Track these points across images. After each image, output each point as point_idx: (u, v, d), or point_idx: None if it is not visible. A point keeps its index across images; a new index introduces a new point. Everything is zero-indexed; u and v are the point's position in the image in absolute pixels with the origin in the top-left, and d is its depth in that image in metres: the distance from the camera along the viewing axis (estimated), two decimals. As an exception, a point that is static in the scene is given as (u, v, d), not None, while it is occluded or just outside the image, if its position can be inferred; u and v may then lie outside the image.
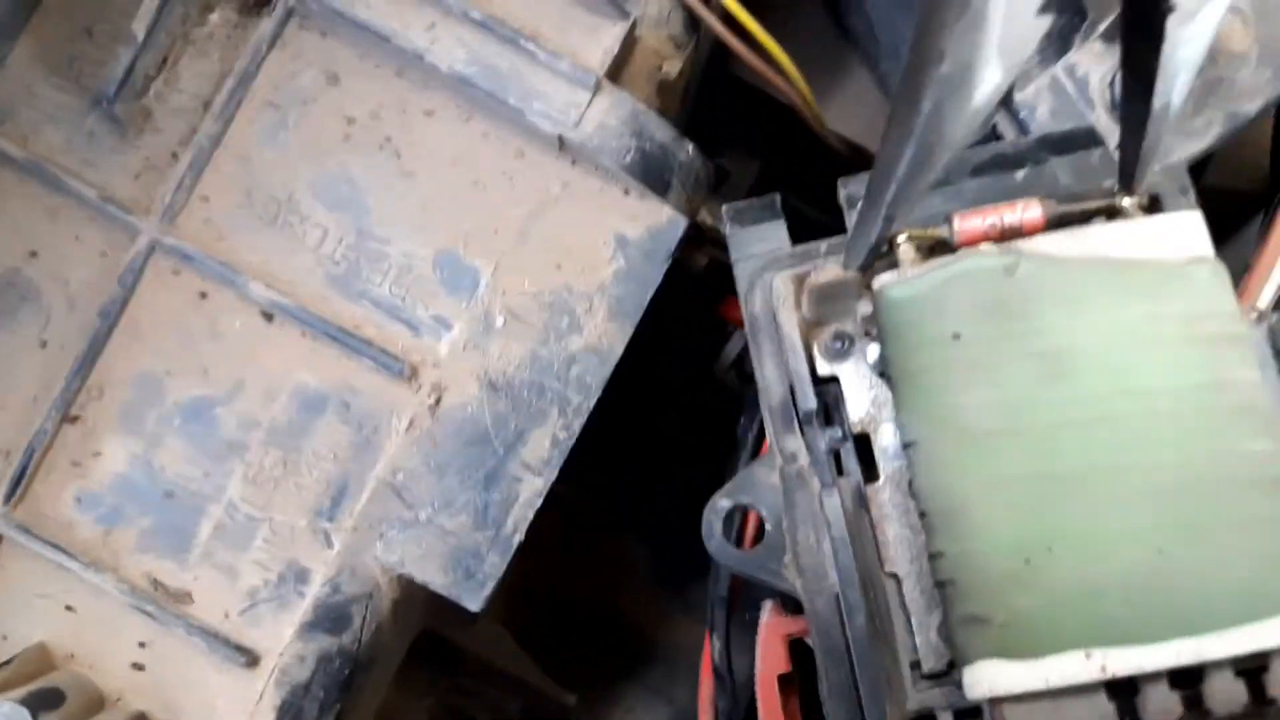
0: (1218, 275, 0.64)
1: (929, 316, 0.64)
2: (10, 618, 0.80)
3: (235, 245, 0.81)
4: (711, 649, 0.95)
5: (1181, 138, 0.81)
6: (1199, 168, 1.00)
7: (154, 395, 0.81)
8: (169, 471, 0.80)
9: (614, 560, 1.18)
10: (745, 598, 0.96)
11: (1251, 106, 0.80)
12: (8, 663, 0.77)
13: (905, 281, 0.65)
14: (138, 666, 0.80)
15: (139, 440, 0.80)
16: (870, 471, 0.72)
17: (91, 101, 0.82)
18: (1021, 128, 0.84)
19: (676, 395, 1.19)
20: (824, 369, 0.73)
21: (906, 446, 0.64)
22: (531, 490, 0.80)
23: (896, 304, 0.65)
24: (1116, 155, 0.69)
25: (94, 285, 0.81)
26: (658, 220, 0.81)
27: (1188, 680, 0.58)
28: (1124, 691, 0.58)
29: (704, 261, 1.10)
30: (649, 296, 0.81)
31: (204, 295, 0.81)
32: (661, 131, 0.79)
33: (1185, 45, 0.58)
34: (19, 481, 0.80)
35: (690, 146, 0.80)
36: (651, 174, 0.80)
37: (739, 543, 0.78)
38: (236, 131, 0.82)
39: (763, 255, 0.76)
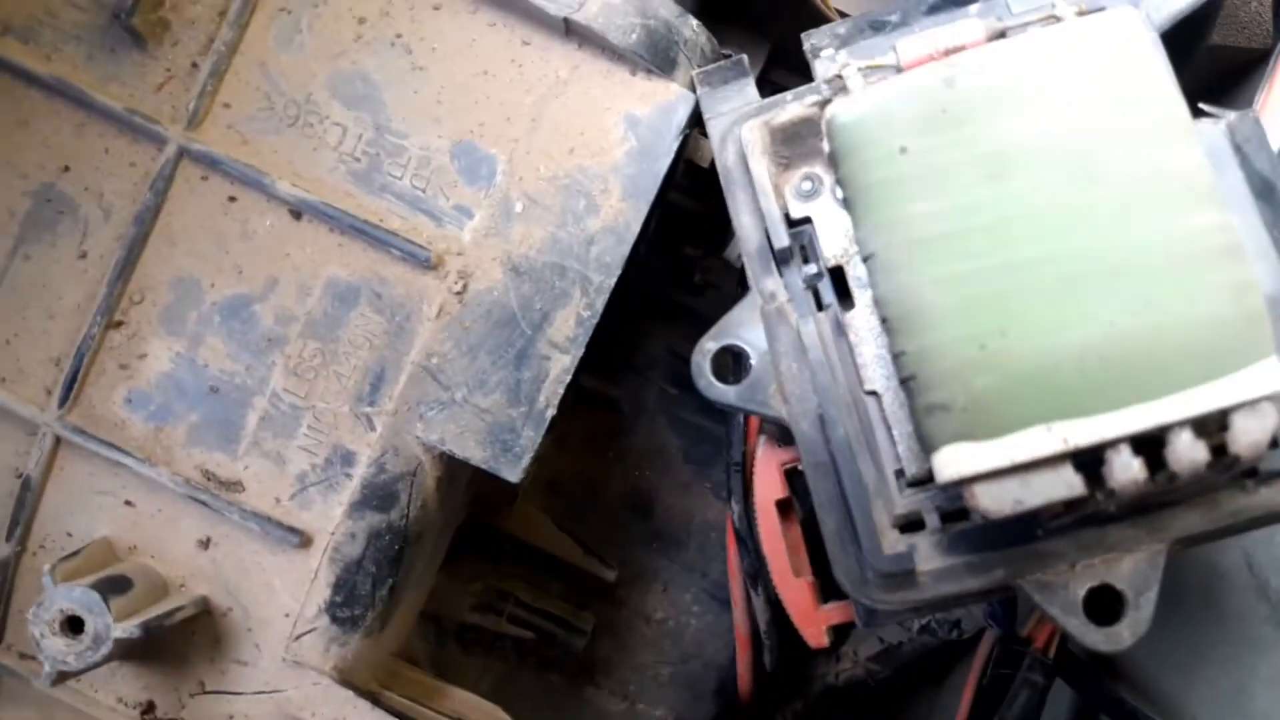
0: (1155, 64, 0.65)
1: (876, 134, 0.67)
2: (74, 516, 0.85)
3: (259, 148, 0.84)
4: (732, 514, 0.99)
5: (1179, -16, 0.82)
6: (1203, 24, 1.01)
7: (192, 296, 0.84)
8: (212, 368, 0.84)
9: (647, 448, 1.21)
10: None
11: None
12: (75, 554, 0.81)
13: (852, 104, 0.68)
14: (197, 554, 0.84)
15: (181, 340, 0.84)
16: (847, 302, 0.75)
17: (110, 17, 0.84)
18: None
19: (695, 285, 1.22)
20: (797, 211, 0.76)
21: (866, 260, 0.67)
22: (560, 367, 0.83)
23: (846, 127, 0.68)
24: None
25: (127, 195, 0.84)
26: (666, 98, 0.83)
27: (1150, 446, 0.61)
28: (1089, 461, 0.61)
29: (711, 153, 1.12)
30: (662, 174, 0.83)
31: (233, 198, 0.84)
32: (665, 8, 0.81)
33: None
34: (71, 386, 0.84)
35: (694, 22, 0.82)
36: (657, 52, 0.81)
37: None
38: (252, 37, 0.84)
39: (733, 112, 0.79)
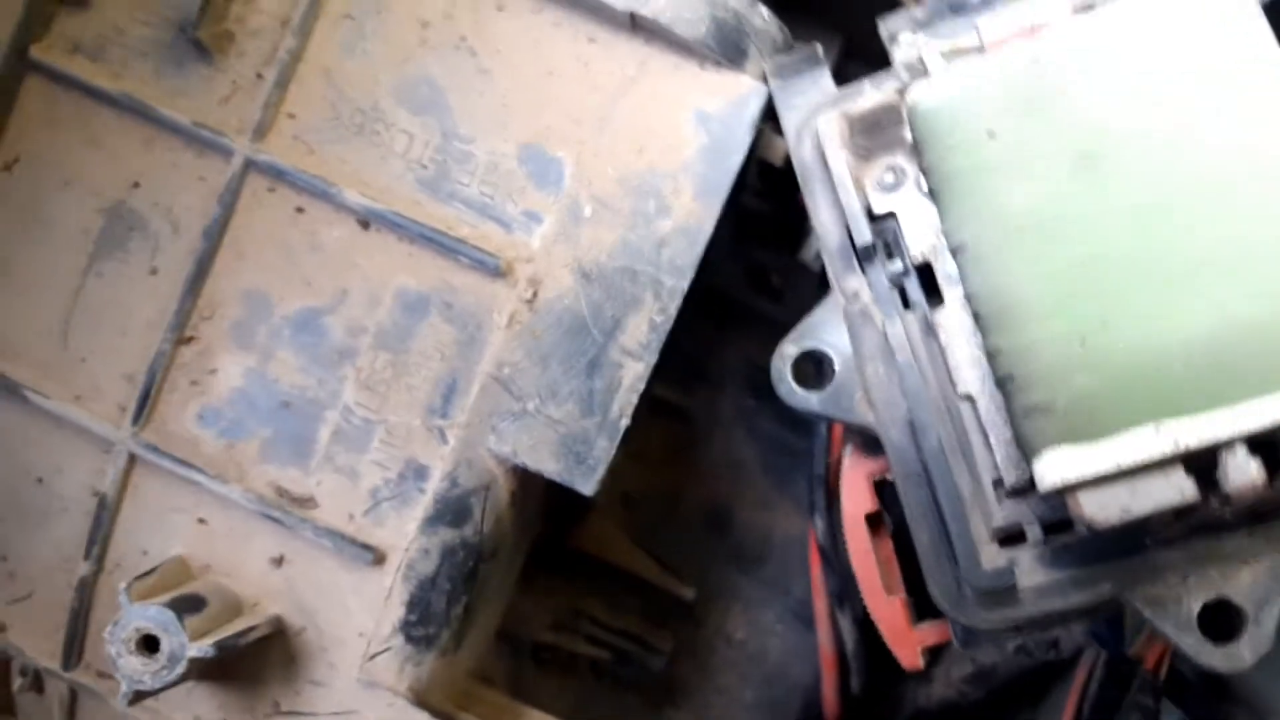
0: (1259, 35, 0.61)
1: (961, 118, 0.64)
2: (148, 534, 0.84)
3: (326, 158, 0.83)
4: (815, 530, 0.95)
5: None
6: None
7: (262, 310, 0.83)
8: (283, 382, 0.83)
9: (725, 460, 1.18)
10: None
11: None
12: (150, 573, 0.80)
13: (934, 87, 0.65)
14: (270, 572, 0.83)
15: (252, 354, 0.83)
16: (935, 300, 0.71)
17: (176, 31, 0.84)
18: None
19: (773, 289, 1.19)
20: (880, 205, 0.73)
21: (955, 253, 0.63)
22: (634, 374, 0.80)
23: (929, 112, 0.65)
24: None
25: (195, 209, 0.84)
26: (738, 91, 0.80)
27: (1268, 447, 0.57)
28: (1202, 464, 0.57)
29: (784, 150, 1.09)
30: (735, 171, 0.80)
31: (300, 209, 0.83)
32: (734, -2, 0.78)
33: None
34: (144, 403, 0.83)
35: (765, 11, 0.79)
36: (727, 43, 0.79)
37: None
38: (316, 46, 0.83)
39: (808, 103, 0.76)
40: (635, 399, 0.81)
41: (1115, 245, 0.60)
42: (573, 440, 0.80)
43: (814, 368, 0.77)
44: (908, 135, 0.70)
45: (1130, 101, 0.62)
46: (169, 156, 0.84)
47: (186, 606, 0.78)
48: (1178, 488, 0.57)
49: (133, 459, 0.83)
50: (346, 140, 0.83)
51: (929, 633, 0.79)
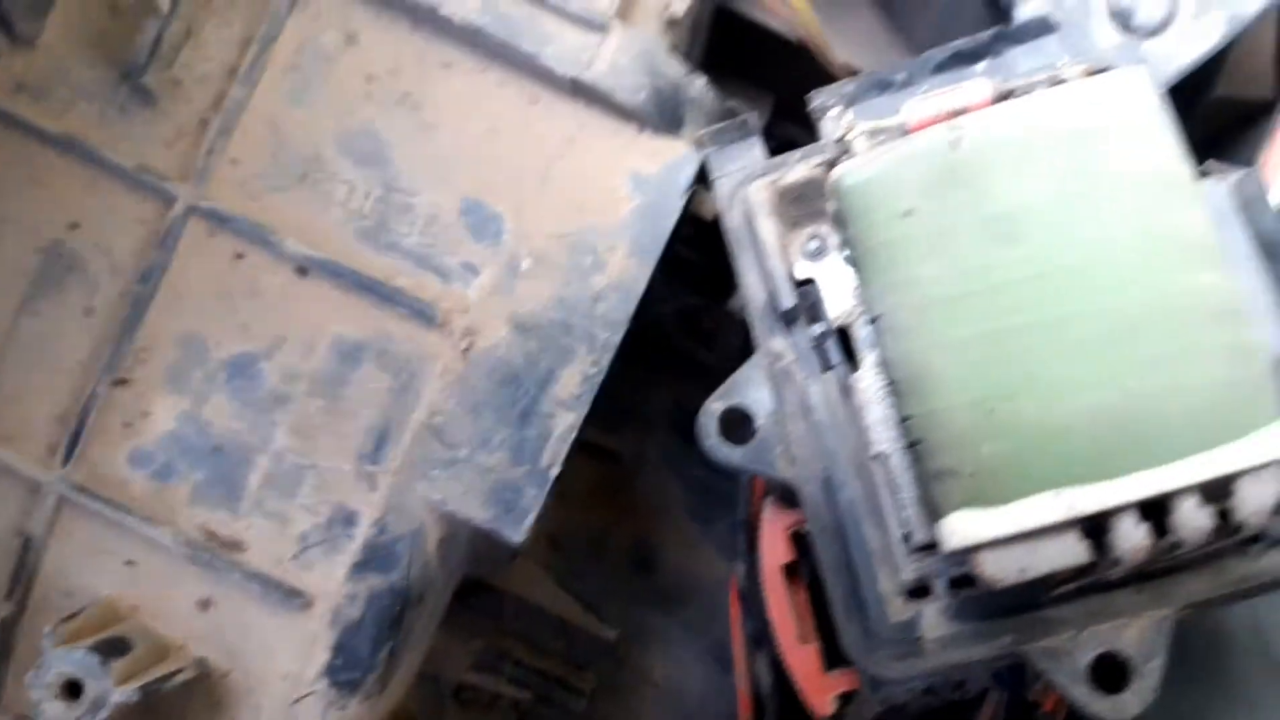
0: (1159, 125, 0.65)
1: (882, 196, 0.67)
2: (74, 575, 0.83)
3: (267, 205, 0.84)
4: (736, 573, 0.98)
5: (1186, 42, 0.83)
6: (1208, 76, 1.01)
7: (198, 354, 0.84)
8: (216, 426, 0.83)
9: (650, 501, 1.20)
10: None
11: (1252, 7, 0.81)
12: (75, 615, 0.80)
13: (858, 167, 0.68)
14: (197, 615, 0.83)
15: (186, 398, 0.83)
16: (853, 363, 0.75)
17: (122, 75, 0.84)
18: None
19: (703, 333, 1.22)
20: (803, 271, 0.76)
21: (873, 321, 0.67)
22: (565, 425, 0.83)
23: (852, 189, 0.68)
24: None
25: (134, 252, 0.84)
26: (673, 156, 0.83)
27: (1156, 513, 0.60)
28: (1095, 529, 0.61)
29: (715, 208, 1.12)
30: (668, 231, 0.83)
31: (240, 255, 0.84)
32: (672, 68, 0.81)
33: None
34: (74, 444, 0.83)
35: (701, 81, 0.83)
36: (665, 111, 0.82)
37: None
38: (262, 95, 0.84)
39: (739, 171, 0.80)
40: (566, 448, 0.83)
41: (1022, 320, 0.63)
42: (503, 488, 0.82)
43: (739, 423, 0.80)
44: (831, 206, 0.73)
45: (1038, 184, 0.65)
46: (111, 199, 0.84)
47: (111, 650, 0.78)
48: (1073, 550, 0.61)
49: (61, 500, 0.83)
50: (288, 188, 0.84)
51: (840, 680, 0.82)
